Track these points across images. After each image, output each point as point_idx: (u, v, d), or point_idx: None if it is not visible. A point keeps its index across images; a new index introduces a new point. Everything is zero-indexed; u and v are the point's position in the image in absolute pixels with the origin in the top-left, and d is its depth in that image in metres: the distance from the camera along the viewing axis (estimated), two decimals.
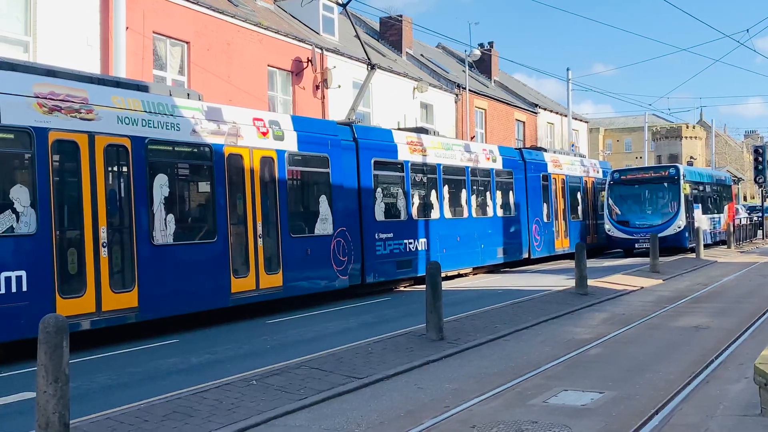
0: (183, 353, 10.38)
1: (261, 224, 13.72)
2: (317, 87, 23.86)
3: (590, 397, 7.51)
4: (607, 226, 27.54)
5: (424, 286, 10.80)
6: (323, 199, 15.50)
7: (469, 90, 32.97)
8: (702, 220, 28.62)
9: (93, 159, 10.88)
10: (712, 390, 7.76)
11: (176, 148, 12.58)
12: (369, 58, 19.99)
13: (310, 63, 23.46)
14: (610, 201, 27.56)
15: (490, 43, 40.33)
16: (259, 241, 13.64)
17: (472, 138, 32.20)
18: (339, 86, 24.13)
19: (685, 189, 26.78)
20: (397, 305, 15.52)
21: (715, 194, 32.17)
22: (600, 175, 29.72)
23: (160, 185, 11.93)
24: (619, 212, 27.28)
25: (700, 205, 28.99)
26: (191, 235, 12.83)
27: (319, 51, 23.91)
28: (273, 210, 14.10)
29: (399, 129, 21.17)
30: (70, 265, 10.56)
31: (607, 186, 28.00)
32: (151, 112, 11.83)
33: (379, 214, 17.28)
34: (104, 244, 10.89)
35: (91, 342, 10.83)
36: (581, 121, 47.33)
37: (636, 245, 26.65)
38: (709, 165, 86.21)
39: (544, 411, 7.08)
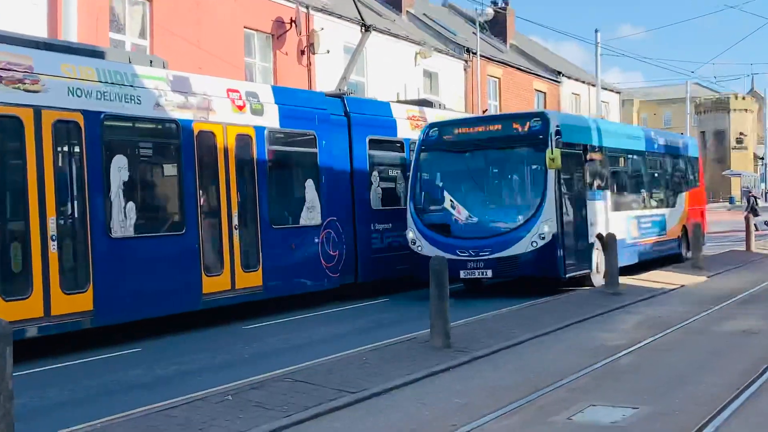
0: (147, 364, 10.41)
1: (237, 214, 13.72)
2: (302, 52, 23.82)
3: (622, 414, 7.53)
4: (411, 234, 16.35)
5: (428, 284, 10.82)
6: (310, 184, 15.50)
7: (481, 55, 32.92)
8: (616, 223, 17.94)
9: (39, 137, 10.86)
10: (763, 404, 7.80)
11: (137, 125, 12.58)
12: (363, 19, 19.95)
13: (293, 24, 23.40)
14: (418, 183, 16.71)
15: (505, 1, 40.24)
16: (235, 234, 13.65)
17: (484, 111, 32.21)
18: (328, 51, 24.09)
19: (555, 160, 15.02)
20: (395, 307, 15.56)
21: (657, 173, 21.65)
22: None
23: (119, 168, 11.92)
24: (431, 207, 16.62)
25: (609, 192, 18.21)
26: (155, 226, 12.84)
27: (305, 10, 23.86)
28: (251, 197, 14.11)
29: (398, 102, 21.17)
30: (14, 262, 10.57)
31: (415, 153, 16.97)
32: (107, 83, 11.81)
33: (376, 202, 17.30)
34: (53, 238, 10.89)
35: (40, 351, 10.84)
36: (612, 91, 47.33)
37: (463, 272, 15.62)
38: (762, 142, 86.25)
39: (568, 429, 7.11)
